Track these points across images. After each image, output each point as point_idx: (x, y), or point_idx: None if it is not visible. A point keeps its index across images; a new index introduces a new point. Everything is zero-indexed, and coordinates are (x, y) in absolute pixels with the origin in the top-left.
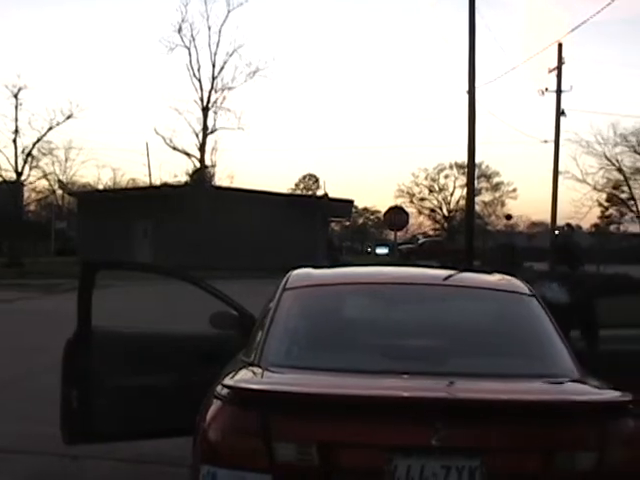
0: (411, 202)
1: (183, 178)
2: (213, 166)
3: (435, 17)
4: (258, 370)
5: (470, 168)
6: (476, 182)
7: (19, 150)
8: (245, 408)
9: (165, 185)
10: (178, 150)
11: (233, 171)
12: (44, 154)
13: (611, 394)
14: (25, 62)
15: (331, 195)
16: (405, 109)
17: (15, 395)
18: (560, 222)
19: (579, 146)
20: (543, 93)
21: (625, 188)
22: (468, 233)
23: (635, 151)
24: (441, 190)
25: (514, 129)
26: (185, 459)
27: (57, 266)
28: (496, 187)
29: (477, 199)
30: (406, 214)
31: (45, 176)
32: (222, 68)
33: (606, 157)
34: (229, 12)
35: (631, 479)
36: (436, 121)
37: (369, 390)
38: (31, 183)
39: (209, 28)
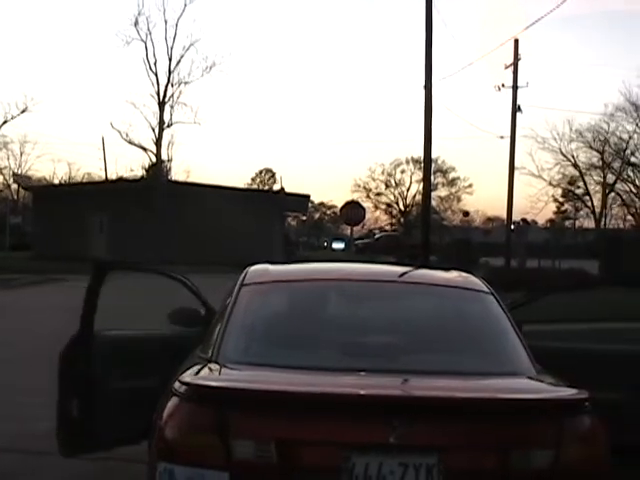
0: (367, 197)
1: (139, 173)
2: (169, 161)
3: (392, 12)
4: (215, 367)
5: (426, 163)
6: (432, 177)
7: None
8: (202, 405)
9: (121, 180)
10: (134, 144)
11: (189, 166)
12: None
13: (568, 392)
14: None
15: (287, 190)
16: (362, 104)
17: None
18: (516, 217)
19: (535, 142)
20: (499, 89)
21: (580, 184)
22: (424, 228)
23: (590, 147)
24: (397, 185)
25: (470, 124)
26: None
27: (12, 261)
28: (452, 182)
29: (433, 194)
30: (362, 209)
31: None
32: (178, 62)
33: (562, 153)
34: (186, 5)
35: (587, 476)
36: (393, 116)
37: (327, 388)
38: None
39: (166, 22)
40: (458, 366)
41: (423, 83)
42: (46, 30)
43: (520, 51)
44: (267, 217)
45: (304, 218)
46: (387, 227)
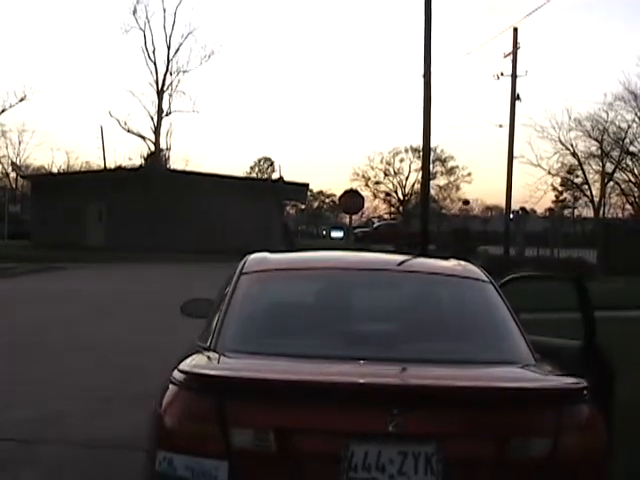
0: (366, 185)
1: (138, 161)
2: (168, 149)
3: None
4: (214, 355)
5: (425, 152)
6: (431, 166)
7: None
8: (201, 394)
9: (120, 168)
10: (133, 133)
11: (188, 154)
12: None
13: (566, 380)
14: None
15: (286, 179)
16: (361, 93)
17: None
18: (515, 206)
19: (534, 130)
20: (498, 78)
21: (579, 173)
22: (423, 217)
23: (589, 136)
24: (396, 174)
25: (470, 113)
26: (139, 442)
27: (10, 250)
28: (451, 171)
29: (432, 183)
30: (361, 198)
31: None
32: (177, 51)
33: (560, 142)
34: None
35: (585, 465)
36: (392, 105)
37: (326, 376)
38: None
39: (164, 10)
40: (457, 355)
41: (422, 72)
42: (45, 19)
43: (519, 40)
44: (266, 206)
45: (303, 207)
46: (386, 216)
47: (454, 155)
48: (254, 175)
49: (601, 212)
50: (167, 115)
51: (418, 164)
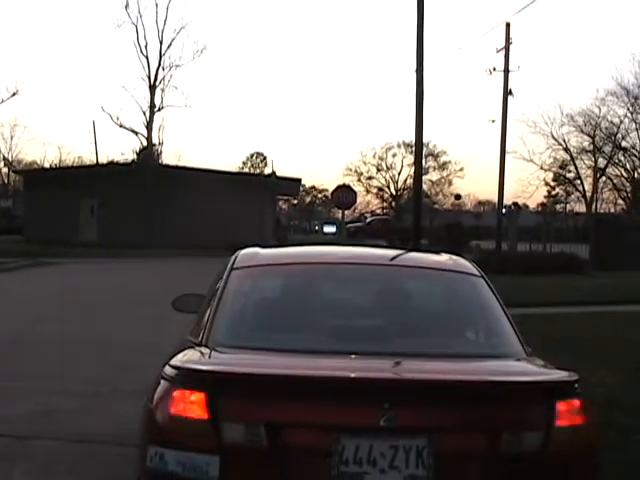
0: (359, 181)
1: (130, 156)
2: (160, 144)
3: None
4: (205, 350)
5: (418, 147)
6: (424, 161)
7: None
8: (192, 389)
9: (112, 163)
10: (125, 128)
11: (180, 149)
12: None
13: (558, 374)
14: None
15: (279, 173)
16: (353, 88)
17: None
18: (507, 201)
19: (526, 126)
20: (491, 73)
21: (571, 168)
22: (415, 212)
23: (582, 131)
24: (389, 169)
25: (462, 108)
26: (130, 438)
27: (2, 245)
28: (443, 166)
29: (424, 178)
30: (354, 193)
31: None
32: (169, 45)
33: (553, 137)
34: None
35: (577, 458)
36: (384, 100)
37: (317, 371)
38: None
39: (156, 4)
40: (449, 349)
41: (415, 67)
42: (37, 14)
43: (512, 35)
44: (258, 201)
45: (295, 202)
46: (378, 211)
47: (447, 150)
48: (247, 170)
49: (593, 207)
50: (159, 110)
51: (411, 159)
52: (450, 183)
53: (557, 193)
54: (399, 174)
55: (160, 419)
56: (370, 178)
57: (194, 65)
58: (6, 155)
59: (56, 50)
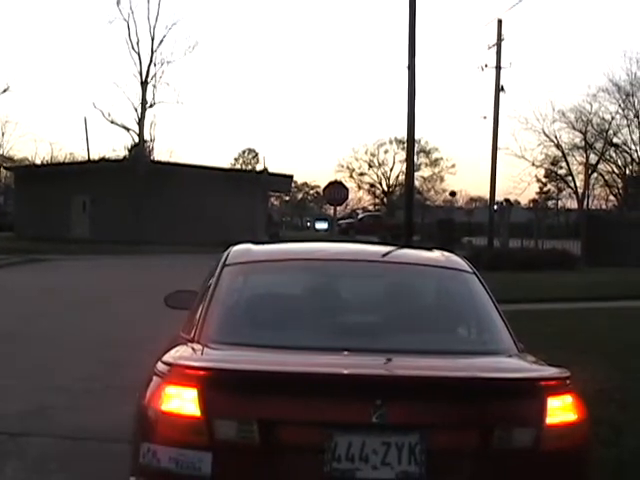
0: (351, 177)
1: (122, 153)
2: (152, 140)
3: None
4: (198, 347)
5: (410, 143)
6: (415, 157)
7: None
8: (185, 385)
9: (103, 160)
10: (117, 124)
11: (172, 146)
12: None
13: (550, 370)
14: None
15: (271, 170)
16: (345, 84)
17: None
18: (499, 197)
19: (518, 122)
20: (483, 69)
21: (563, 164)
22: (407, 208)
23: (573, 127)
24: (381, 165)
25: (454, 105)
26: (124, 434)
27: None
28: (435, 163)
29: (416, 174)
30: (346, 189)
31: None
32: (161, 42)
33: (544, 133)
34: None
35: (569, 454)
36: (376, 97)
37: (309, 367)
38: None
39: (148, 1)
40: (441, 345)
41: (407, 64)
42: (28, 10)
43: (504, 32)
44: (250, 197)
45: (287, 198)
46: (370, 207)
47: (439, 147)
48: (238, 166)
49: (585, 203)
50: (151, 106)
51: (402, 155)
52: (442, 179)
53: (549, 189)
54: (391, 170)
55: (152, 415)
56: (362, 174)
57: (186, 61)
58: None
59: (47, 46)
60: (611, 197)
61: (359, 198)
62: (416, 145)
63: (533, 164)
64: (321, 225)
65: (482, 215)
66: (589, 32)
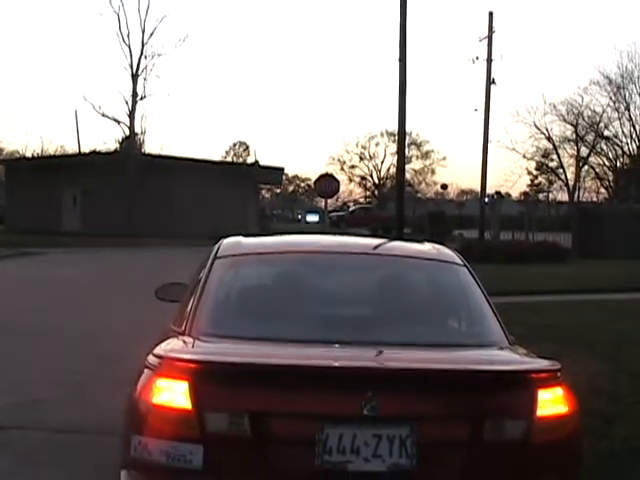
0: (342, 169)
1: (113, 145)
2: (143, 133)
3: None
4: (189, 339)
5: (401, 136)
6: (407, 150)
7: None
8: (175, 378)
9: (94, 152)
10: (107, 117)
11: (163, 138)
12: None
13: (541, 363)
14: None
15: (262, 163)
16: (337, 77)
17: None
18: (490, 190)
19: (509, 115)
20: (474, 62)
21: (554, 157)
22: (398, 201)
23: (564, 120)
24: (372, 158)
25: (445, 97)
26: (114, 427)
27: None
28: (426, 155)
29: (407, 167)
30: (337, 181)
31: None
32: (152, 34)
33: (536, 126)
34: None
35: (560, 446)
36: (368, 89)
37: (300, 359)
38: None
39: None
40: (432, 338)
41: (398, 56)
42: (18, 1)
43: (495, 24)
44: (241, 190)
45: (278, 191)
46: (361, 200)
47: (429, 139)
48: (229, 159)
49: (576, 196)
50: (142, 99)
51: (393, 148)
52: (433, 172)
53: (540, 182)
54: (382, 163)
55: (143, 408)
56: (353, 167)
57: (176, 54)
58: None
59: (38, 39)
60: (602, 190)
61: (350, 191)
62: (407, 138)
63: (524, 157)
64: (312, 218)
65: (473, 208)
66: (580, 25)
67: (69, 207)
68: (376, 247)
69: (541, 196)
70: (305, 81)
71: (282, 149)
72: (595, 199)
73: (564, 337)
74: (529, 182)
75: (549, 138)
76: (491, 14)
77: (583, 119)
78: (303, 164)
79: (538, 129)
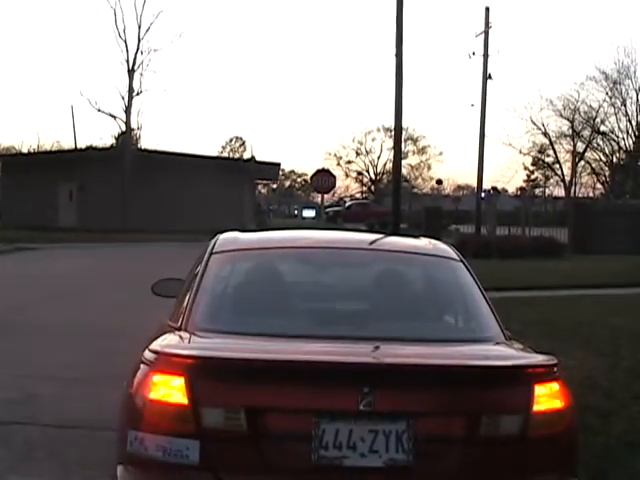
0: (338, 165)
1: (109, 141)
2: (139, 129)
3: None
4: (185, 335)
5: (397, 131)
6: (403, 145)
7: None
8: (172, 373)
9: (91, 148)
10: (104, 112)
11: (159, 134)
12: None
13: (537, 358)
14: None
15: (258, 158)
16: (333, 72)
17: None
18: (486, 185)
19: (506, 110)
20: (470, 57)
21: (550, 152)
22: (395, 196)
23: (561, 115)
24: (368, 153)
25: (442, 93)
26: (109, 422)
27: None
28: (423, 150)
29: (404, 162)
30: (333, 177)
31: None
32: (148, 29)
33: (532, 121)
34: None
35: (556, 441)
36: (364, 84)
37: (296, 355)
38: None
39: None
40: (428, 333)
41: (394, 51)
42: None
43: (492, 19)
44: (237, 185)
45: (275, 186)
46: (358, 195)
47: (426, 134)
48: (226, 154)
49: (572, 191)
50: (138, 95)
51: (390, 143)
52: (429, 167)
53: (536, 177)
54: (378, 158)
55: (140, 404)
56: (349, 162)
57: (173, 49)
58: None
59: (34, 34)
60: (598, 185)
61: (347, 186)
62: (404, 133)
63: (520, 152)
64: (309, 213)
65: (469, 203)
66: (577, 20)
67: (65, 202)
68: (372, 242)
69: (537, 191)
70: (301, 76)
71: (278, 144)
72: (591, 194)
73: (560, 332)
74: (525, 177)
75: (545, 133)
76: (487, 9)
77: (579, 114)
78: (299, 159)
79: (534, 124)
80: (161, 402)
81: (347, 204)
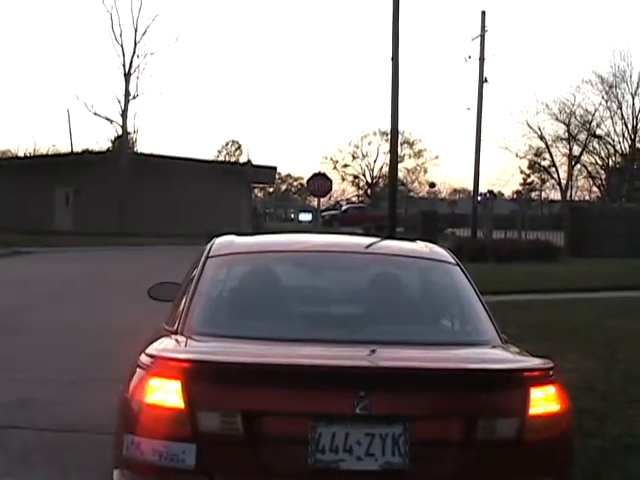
0: (334, 168)
1: (105, 145)
2: (135, 132)
3: None
4: (181, 339)
5: (393, 134)
6: (399, 149)
7: None
8: (168, 377)
9: (87, 152)
10: (100, 116)
11: (156, 138)
12: None
13: (534, 361)
14: None
15: (254, 162)
16: (329, 76)
17: None
18: (482, 189)
19: (502, 114)
20: (466, 61)
21: (546, 155)
22: (391, 200)
23: (557, 119)
24: (364, 157)
25: (438, 96)
26: (106, 426)
27: None
28: (419, 154)
29: (400, 166)
30: (329, 180)
31: None
32: (144, 33)
33: (528, 125)
34: None
35: (552, 445)
36: (361, 88)
37: (293, 359)
38: None
39: None
40: (424, 336)
41: (391, 55)
42: (10, 0)
43: (488, 23)
44: (234, 189)
45: (271, 190)
46: (354, 199)
47: (422, 138)
48: (222, 158)
49: (568, 195)
50: (134, 98)
51: (386, 147)
52: (426, 171)
53: (532, 181)
54: (375, 162)
55: (136, 408)
56: (346, 166)
57: (169, 53)
58: None
59: (30, 38)
60: (594, 188)
61: (343, 190)
62: (400, 136)
63: (517, 155)
64: (305, 217)
65: (466, 207)
66: (573, 24)
67: (61, 206)
68: (369, 246)
69: (534, 195)
70: (298, 80)
71: (275, 148)
72: (587, 198)
73: (557, 335)
74: (522, 181)
75: (541, 137)
76: (484, 13)
77: (575, 118)
78: (296, 163)
79: (530, 128)
80: (157, 406)
81: (343, 208)
